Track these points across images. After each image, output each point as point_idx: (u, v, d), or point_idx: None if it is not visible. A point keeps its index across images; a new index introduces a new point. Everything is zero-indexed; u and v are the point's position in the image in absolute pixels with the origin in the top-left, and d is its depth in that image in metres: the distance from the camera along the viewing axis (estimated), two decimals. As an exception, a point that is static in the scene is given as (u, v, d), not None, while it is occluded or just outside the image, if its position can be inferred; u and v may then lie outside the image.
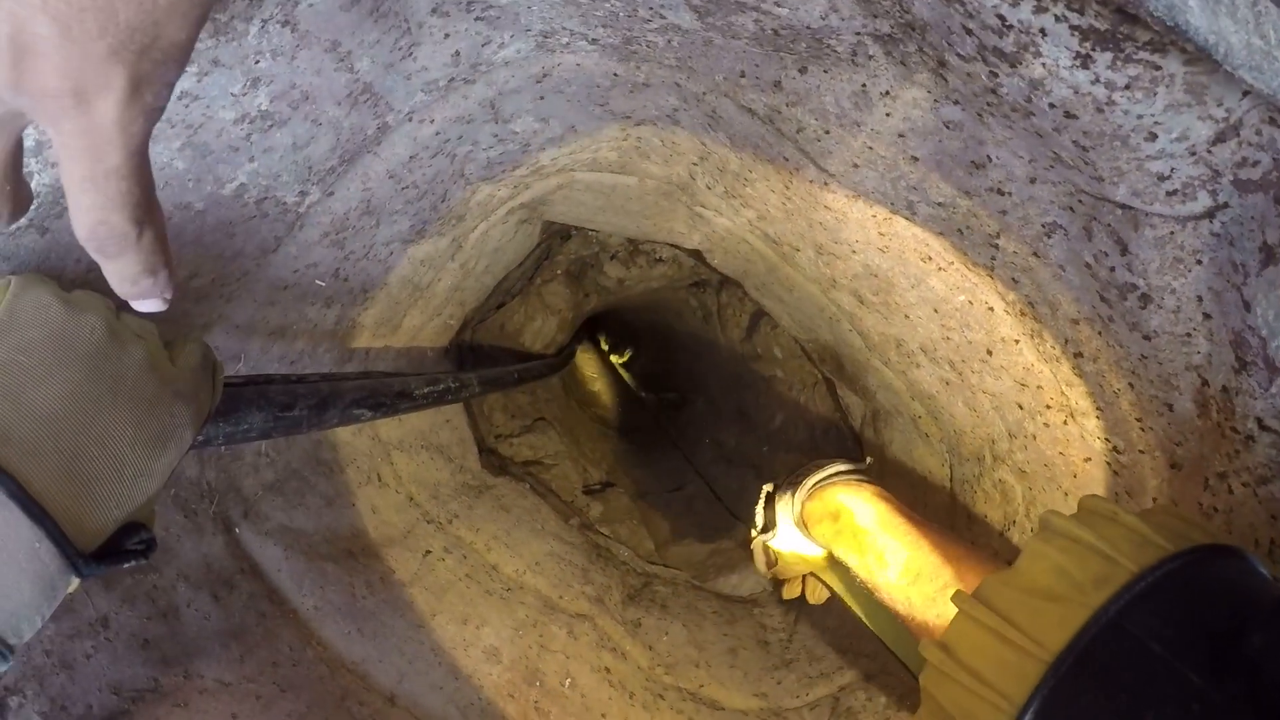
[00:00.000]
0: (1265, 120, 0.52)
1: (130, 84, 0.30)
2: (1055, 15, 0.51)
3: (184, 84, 0.62)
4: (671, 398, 3.26)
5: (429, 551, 1.36)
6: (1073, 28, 0.51)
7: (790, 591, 1.30)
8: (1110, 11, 0.49)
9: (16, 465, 0.46)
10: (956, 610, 0.64)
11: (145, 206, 0.35)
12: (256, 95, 0.69)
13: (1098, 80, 0.54)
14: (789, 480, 1.23)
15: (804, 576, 1.28)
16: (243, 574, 0.98)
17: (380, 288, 1.23)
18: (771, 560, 1.26)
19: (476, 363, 2.03)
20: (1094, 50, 0.52)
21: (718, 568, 2.01)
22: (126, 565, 0.54)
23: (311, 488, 1.17)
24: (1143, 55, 0.51)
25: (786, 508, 1.20)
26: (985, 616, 0.59)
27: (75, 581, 0.50)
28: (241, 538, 1.00)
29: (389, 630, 1.15)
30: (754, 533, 1.30)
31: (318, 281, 1.03)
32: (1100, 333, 0.79)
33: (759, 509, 1.27)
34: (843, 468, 1.18)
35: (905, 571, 0.91)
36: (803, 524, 1.17)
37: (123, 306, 0.59)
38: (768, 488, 1.27)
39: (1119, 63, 0.52)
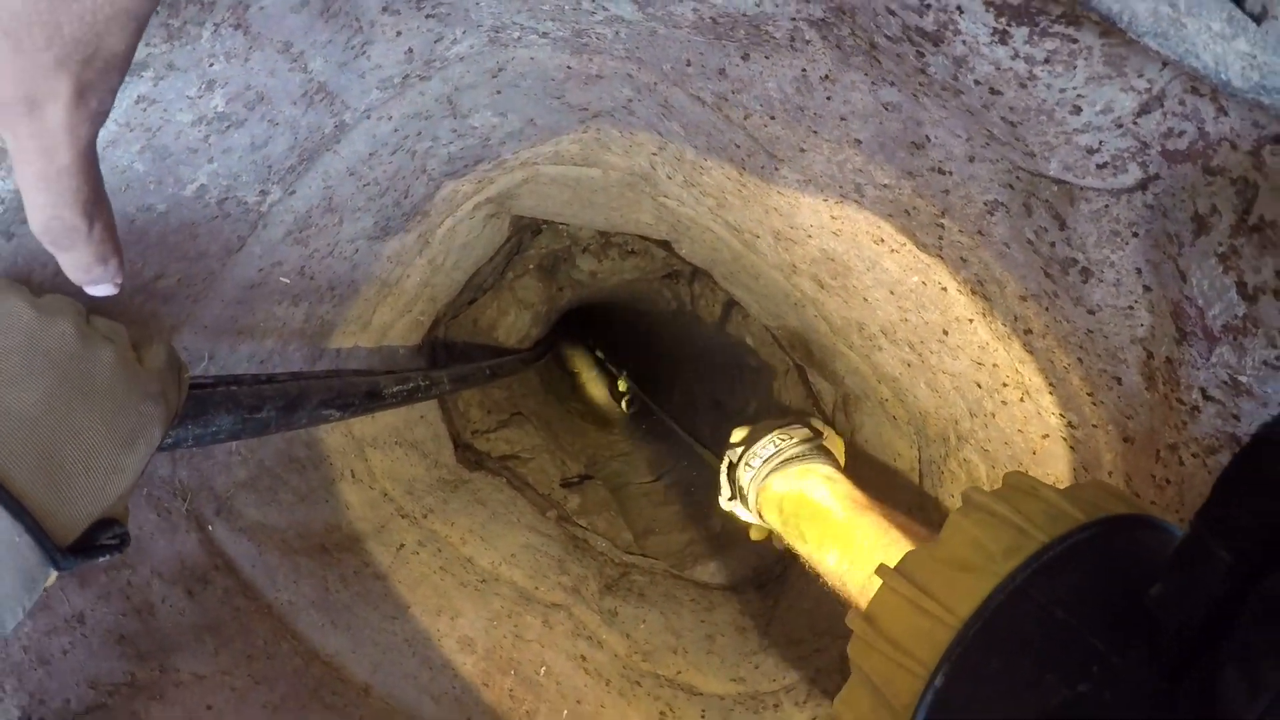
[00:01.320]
0: (1188, 90, 0.53)
1: (76, 91, 0.32)
2: None
3: (141, 88, 0.63)
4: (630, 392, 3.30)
5: (403, 545, 1.37)
6: (987, 3, 0.52)
7: (757, 534, 1.34)
8: None
9: None
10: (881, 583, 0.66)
11: (94, 201, 0.37)
12: (212, 97, 0.71)
13: (1017, 55, 0.55)
14: (746, 446, 1.27)
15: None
16: (217, 570, 1.00)
17: (347, 284, 1.24)
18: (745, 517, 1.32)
19: (450, 360, 2.04)
20: (1010, 25, 0.53)
21: (695, 556, 2.03)
22: (102, 558, 0.56)
23: (285, 484, 1.18)
24: (1058, 29, 0.52)
25: (746, 482, 1.25)
26: (904, 587, 0.61)
27: (53, 574, 0.51)
28: (215, 534, 1.01)
29: (363, 622, 1.16)
30: (722, 501, 1.34)
31: (283, 279, 1.04)
32: (1047, 309, 0.80)
33: (723, 479, 1.33)
34: (793, 449, 1.22)
35: (841, 557, 0.93)
36: (757, 512, 1.23)
37: (93, 310, 0.60)
38: (730, 456, 1.31)
39: (1035, 37, 0.53)
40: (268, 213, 0.92)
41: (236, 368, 1.06)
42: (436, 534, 1.48)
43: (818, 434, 1.27)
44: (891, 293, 1.06)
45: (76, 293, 0.59)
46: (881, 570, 0.66)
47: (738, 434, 1.35)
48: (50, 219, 0.36)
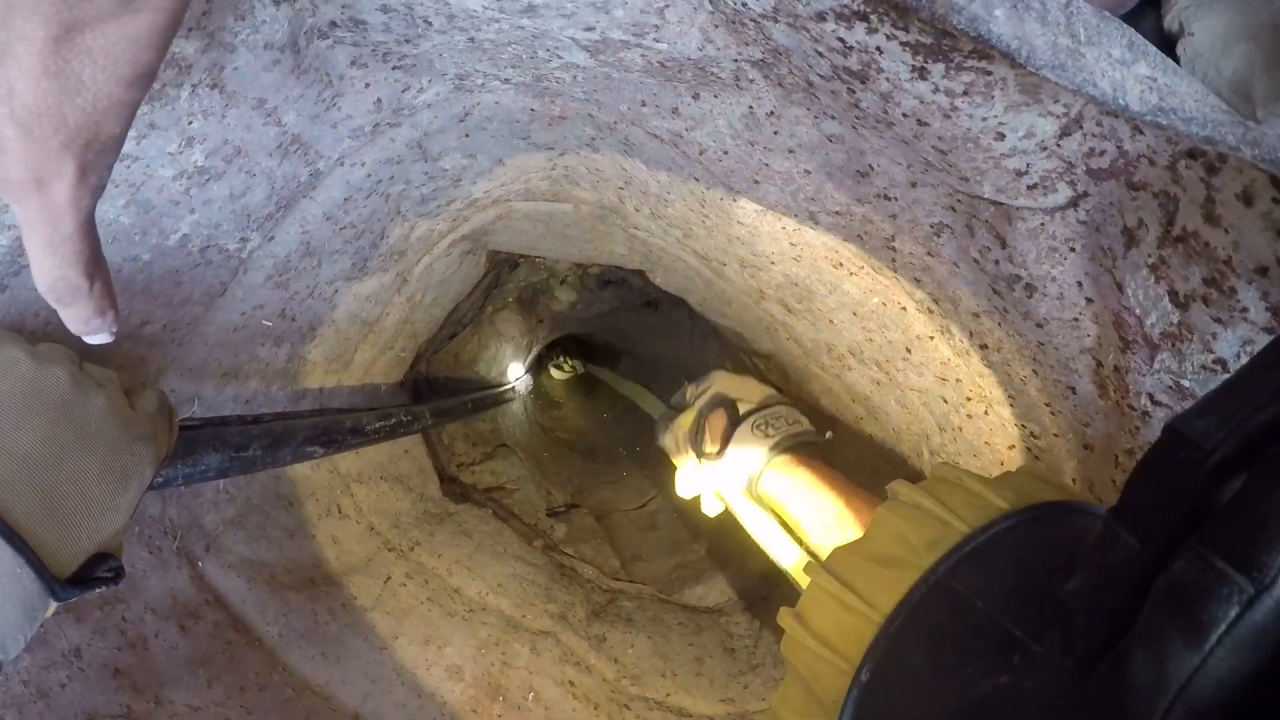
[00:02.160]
0: (1103, 112, 0.56)
1: (78, 170, 0.37)
2: (885, 34, 0.56)
3: (125, 147, 0.67)
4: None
5: (390, 578, 1.40)
6: (903, 44, 0.56)
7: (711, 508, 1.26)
8: (930, 25, 0.54)
9: (0, 502, 0.51)
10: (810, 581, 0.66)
11: (94, 262, 0.42)
12: (192, 153, 0.74)
13: (937, 89, 0.58)
14: (762, 407, 1.20)
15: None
16: (208, 605, 1.02)
17: (328, 325, 1.27)
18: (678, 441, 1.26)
19: (433, 395, 2.07)
20: (927, 62, 0.57)
21: (682, 580, 2.05)
22: (98, 590, 0.59)
23: (272, 521, 1.21)
24: (971, 63, 0.55)
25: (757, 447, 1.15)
26: (830, 584, 0.61)
27: (53, 605, 0.55)
28: (205, 570, 1.04)
29: (352, 653, 1.19)
30: (666, 426, 1.31)
31: (265, 322, 1.08)
32: (1000, 324, 0.83)
33: (684, 434, 1.26)
34: (805, 428, 1.16)
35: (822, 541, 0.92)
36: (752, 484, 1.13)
37: (84, 356, 0.64)
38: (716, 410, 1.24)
39: (952, 71, 0.56)
40: (248, 259, 0.96)
41: (223, 409, 1.10)
42: (424, 566, 1.51)
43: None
44: (854, 314, 1.09)
45: (69, 341, 0.63)
46: (809, 567, 0.66)
47: (729, 383, 1.27)
48: (56, 280, 0.41)
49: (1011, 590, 0.52)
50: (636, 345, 3.10)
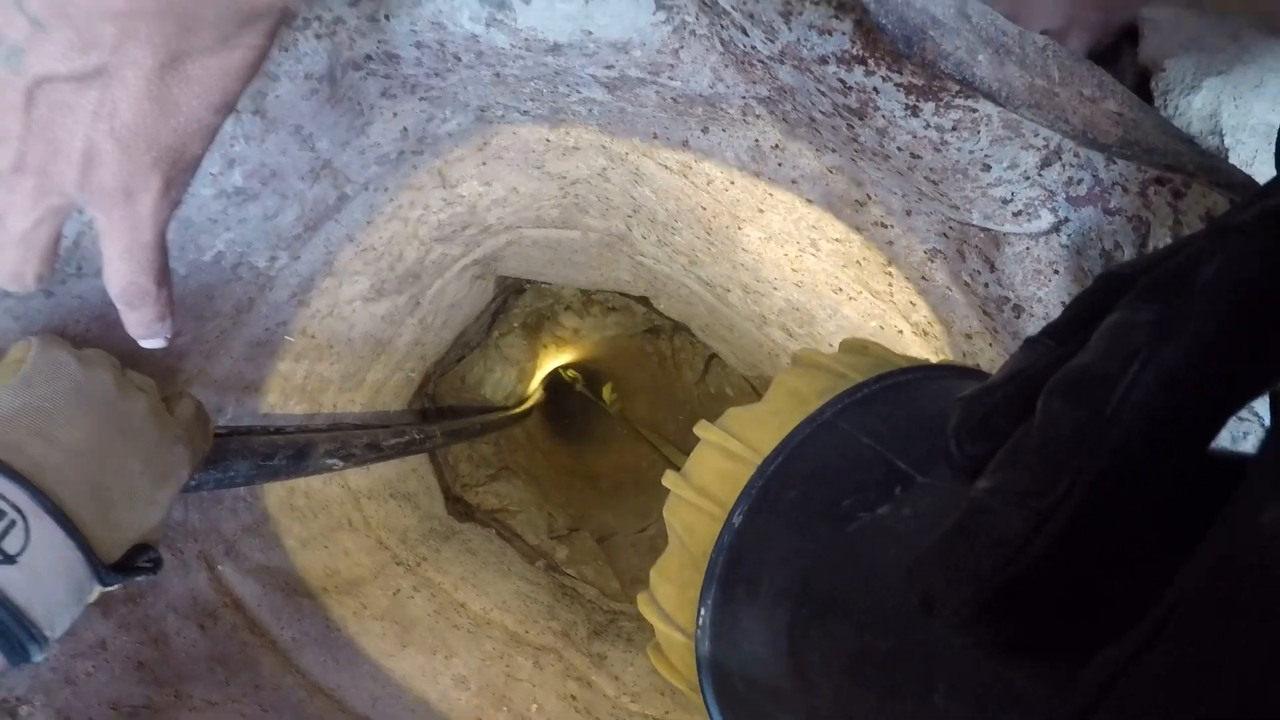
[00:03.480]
0: (1079, 144, 0.60)
1: (164, 185, 0.41)
2: (881, 77, 0.60)
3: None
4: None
5: (399, 590, 1.43)
6: (897, 85, 0.60)
7: None
8: (922, 69, 0.58)
9: (53, 489, 0.55)
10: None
11: (164, 271, 0.46)
12: (232, 174, 0.80)
13: (929, 125, 0.63)
14: None
15: None
16: (225, 607, 1.06)
17: (345, 343, 1.32)
18: None
19: (440, 417, 2.12)
20: (919, 101, 0.61)
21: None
22: (139, 578, 0.64)
23: (287, 531, 1.25)
24: (959, 102, 0.60)
25: None
26: (717, 437, 0.57)
27: (98, 589, 0.59)
28: (223, 574, 1.08)
29: (362, 659, 1.22)
30: None
31: (287, 337, 1.13)
32: (991, 344, 0.86)
33: None
34: None
35: None
36: None
37: (125, 363, 0.69)
38: None
39: (941, 109, 0.61)
40: (275, 276, 1.00)
41: (242, 421, 1.14)
42: (430, 580, 1.55)
43: None
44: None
45: (109, 347, 0.68)
46: (699, 426, 0.60)
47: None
48: (129, 284, 0.45)
49: (902, 430, 0.49)
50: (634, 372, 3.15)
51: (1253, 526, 0.23)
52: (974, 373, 0.57)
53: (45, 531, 0.54)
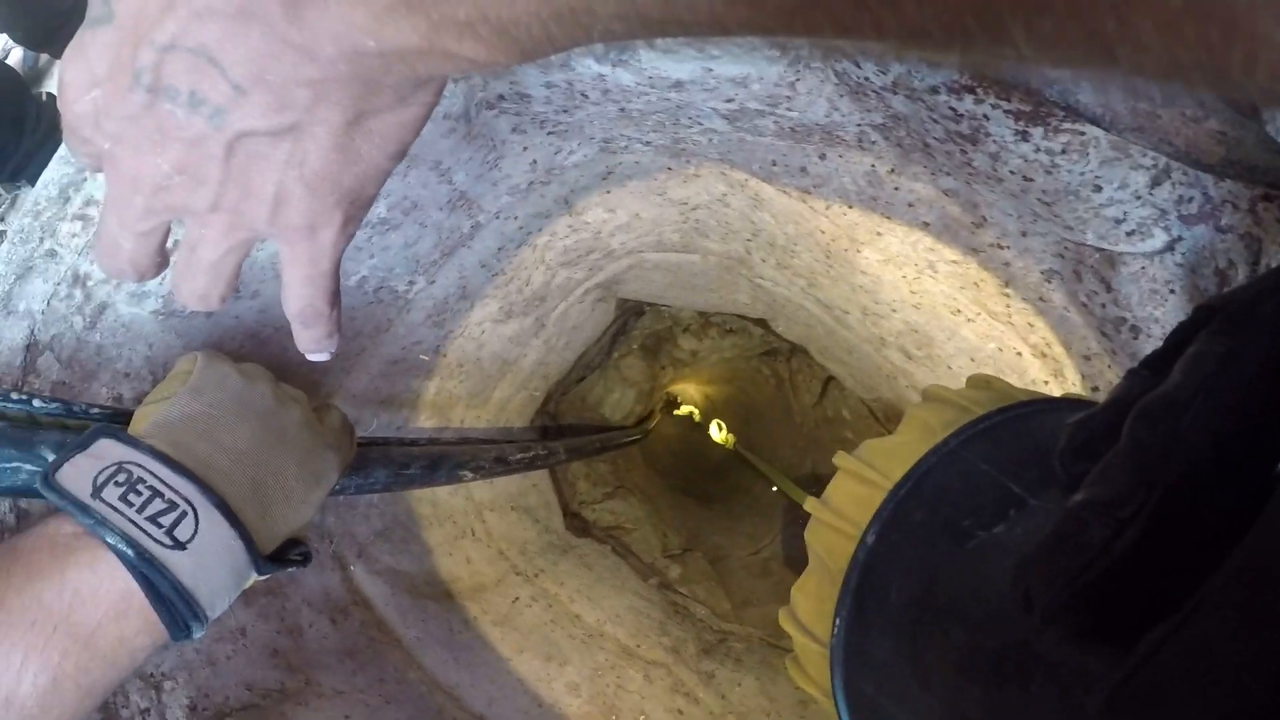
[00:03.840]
0: None
1: (343, 221, 0.46)
2: (990, 104, 0.62)
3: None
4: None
5: (517, 599, 1.49)
6: (1006, 112, 0.62)
7: None
8: (1029, 97, 0.60)
9: (220, 485, 0.62)
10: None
11: (337, 294, 0.51)
12: (377, 206, 0.86)
13: (1039, 150, 0.64)
14: None
15: None
16: (355, 605, 1.13)
17: (474, 363, 1.38)
18: None
19: (561, 435, 2.18)
20: (1028, 127, 0.63)
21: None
22: (291, 570, 0.70)
23: (414, 537, 1.32)
24: (1066, 126, 0.61)
25: None
26: (854, 466, 0.61)
27: (254, 576, 0.65)
28: (355, 574, 1.15)
29: (480, 661, 1.28)
30: None
31: (421, 356, 1.19)
32: (1109, 365, 0.85)
33: None
34: None
35: None
36: None
37: (280, 377, 0.76)
38: None
39: (1050, 134, 0.62)
40: (412, 299, 1.07)
41: (378, 433, 1.21)
42: (547, 591, 1.60)
43: None
44: (972, 360, 1.13)
45: (262, 363, 0.75)
46: (838, 457, 0.66)
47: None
48: (306, 305, 0.50)
49: (1020, 458, 0.53)
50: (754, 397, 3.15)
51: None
52: (1088, 404, 0.59)
53: (212, 523, 0.60)
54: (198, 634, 0.61)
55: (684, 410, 4.02)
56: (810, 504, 0.65)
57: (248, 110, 0.40)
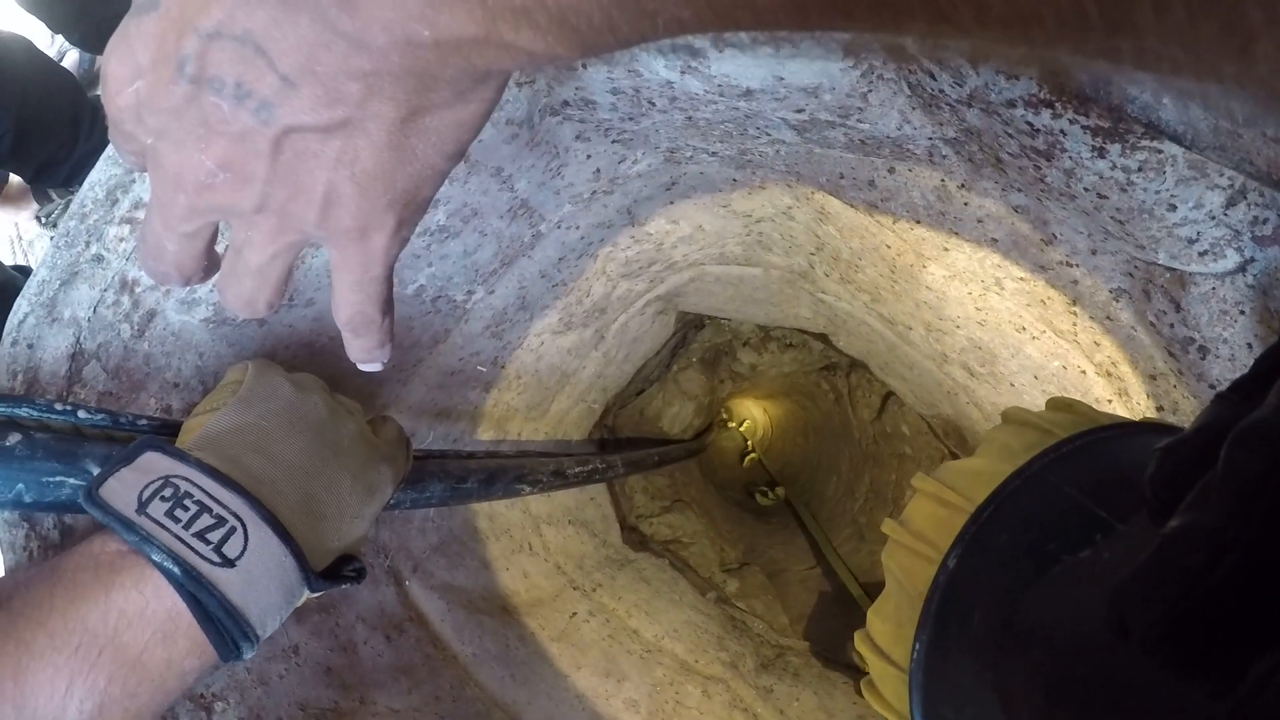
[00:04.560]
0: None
1: (396, 225, 0.44)
2: (1068, 119, 0.60)
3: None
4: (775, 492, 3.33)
5: (575, 614, 1.47)
6: (1084, 127, 0.60)
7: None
8: (1108, 112, 0.58)
9: (270, 500, 0.60)
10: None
11: (389, 302, 0.49)
12: (435, 213, 0.85)
13: (1115, 166, 0.62)
14: None
15: None
16: (411, 621, 1.12)
17: (532, 374, 1.37)
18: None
19: (618, 449, 2.17)
20: (1105, 143, 0.61)
21: (849, 642, 2.05)
22: (344, 586, 0.68)
23: (470, 552, 1.31)
24: (1144, 143, 0.59)
25: None
26: (933, 488, 0.62)
27: (306, 593, 0.63)
28: (410, 590, 1.14)
29: (538, 678, 1.26)
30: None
31: (480, 368, 1.19)
32: (1175, 386, 0.84)
33: None
34: None
35: None
36: None
37: (331, 387, 0.74)
38: None
39: (1127, 151, 0.60)
40: (471, 309, 1.06)
41: (435, 445, 1.21)
42: (605, 606, 1.58)
43: None
44: (1035, 377, 1.11)
45: (316, 373, 0.74)
46: (917, 478, 0.66)
47: None
48: (357, 312, 0.48)
49: (1104, 481, 0.53)
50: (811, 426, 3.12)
51: None
52: (1170, 428, 0.59)
53: (262, 539, 0.58)
54: (248, 654, 0.59)
55: (741, 428, 3.99)
56: (888, 526, 0.65)
57: (296, 104, 0.38)
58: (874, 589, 2.19)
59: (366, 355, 0.52)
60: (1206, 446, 0.36)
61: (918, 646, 0.56)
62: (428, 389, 1.13)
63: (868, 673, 0.64)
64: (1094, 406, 0.64)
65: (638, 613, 1.64)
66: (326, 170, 0.41)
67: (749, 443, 4.00)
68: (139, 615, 0.54)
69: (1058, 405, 0.64)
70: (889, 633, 0.62)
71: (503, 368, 1.26)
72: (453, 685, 1.12)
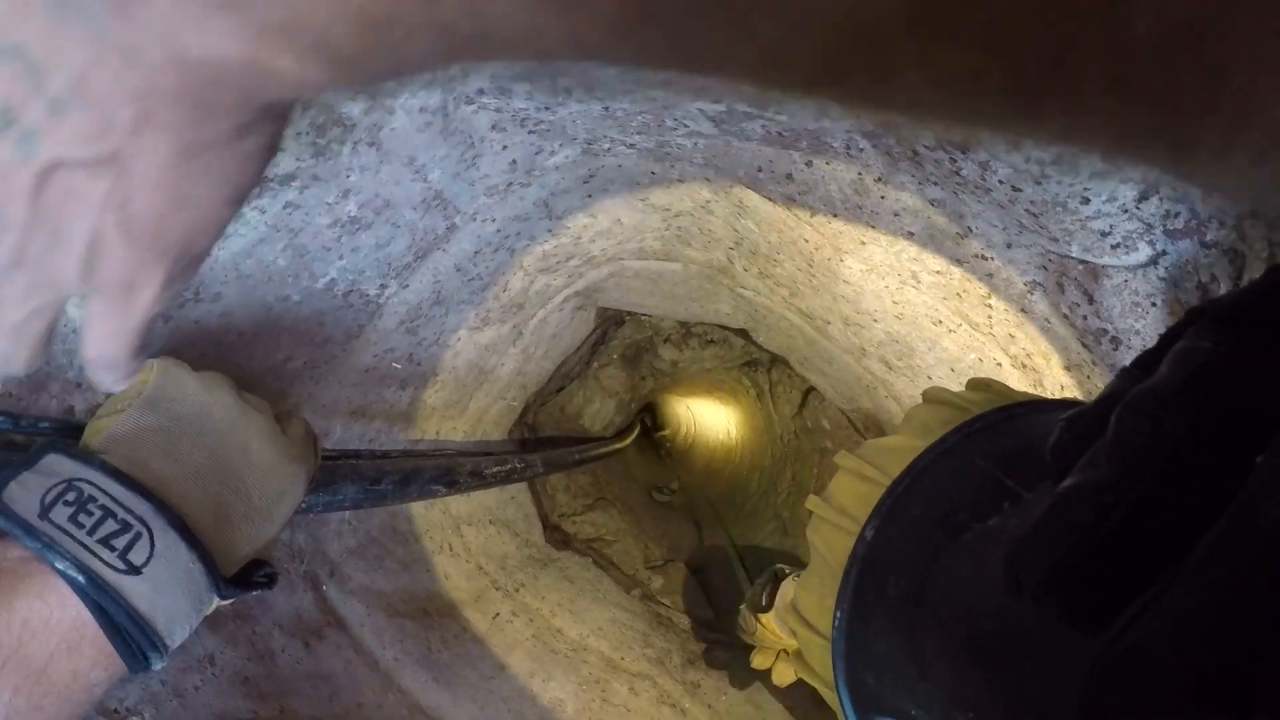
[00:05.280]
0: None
1: (165, 280, 0.39)
2: None
3: (289, 195, 0.75)
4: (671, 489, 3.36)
5: (498, 614, 1.45)
6: None
7: (760, 662, 1.30)
8: None
9: (177, 504, 0.58)
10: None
11: (141, 350, 0.44)
12: (347, 204, 0.83)
13: (1029, 159, 0.63)
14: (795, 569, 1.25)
15: (778, 653, 1.29)
16: (330, 626, 1.09)
17: (449, 371, 1.35)
18: (751, 629, 1.30)
19: (539, 447, 2.15)
20: (1019, 136, 0.62)
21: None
22: (254, 592, 0.66)
23: (389, 554, 1.28)
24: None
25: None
26: (854, 464, 0.64)
27: (215, 601, 0.61)
28: (328, 594, 1.11)
29: (462, 680, 1.24)
30: (743, 604, 1.33)
31: (394, 364, 1.16)
32: (1089, 377, 0.86)
33: (759, 585, 1.31)
34: None
35: None
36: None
37: (239, 385, 0.72)
38: (780, 568, 1.30)
39: (1041, 144, 0.61)
40: (384, 304, 1.03)
41: (349, 444, 1.17)
42: (528, 606, 1.57)
43: None
44: (952, 370, 1.13)
45: (224, 370, 0.71)
46: (840, 455, 0.68)
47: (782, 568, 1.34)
48: (102, 354, 0.41)
49: (1013, 454, 0.55)
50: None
51: (1252, 515, 0.30)
52: (1080, 405, 0.60)
53: (169, 544, 0.56)
54: (157, 665, 0.57)
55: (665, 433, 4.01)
56: (812, 502, 0.67)
57: (64, 134, 0.32)
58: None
59: (100, 385, 0.47)
60: (1104, 416, 0.38)
61: (839, 615, 0.58)
62: (342, 386, 1.10)
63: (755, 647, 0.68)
64: (998, 380, 0.67)
65: (562, 612, 1.62)
66: (92, 215, 0.35)
67: (667, 445, 4.03)
68: (43, 625, 0.52)
69: (976, 385, 0.66)
70: (814, 604, 0.64)
71: (419, 364, 1.24)
72: (375, 691, 1.10)
